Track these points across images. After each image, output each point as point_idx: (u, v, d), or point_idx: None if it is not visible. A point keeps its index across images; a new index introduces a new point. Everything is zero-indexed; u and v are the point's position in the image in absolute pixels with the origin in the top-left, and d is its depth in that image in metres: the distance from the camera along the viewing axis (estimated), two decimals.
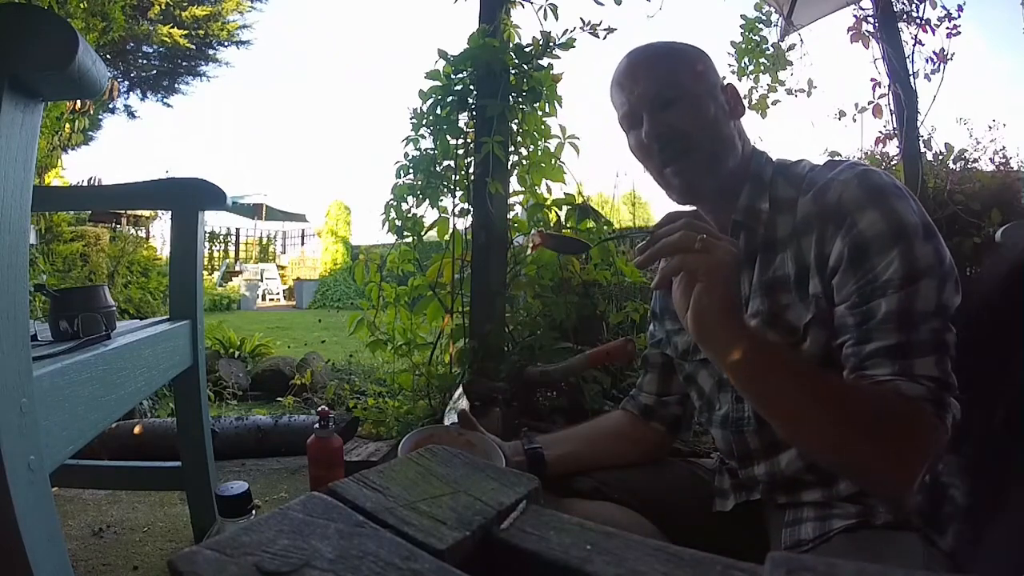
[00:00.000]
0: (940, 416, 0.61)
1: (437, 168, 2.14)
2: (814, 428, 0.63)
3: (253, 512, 0.67)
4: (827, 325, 0.69)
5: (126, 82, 12.57)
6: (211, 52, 13.31)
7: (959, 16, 3.08)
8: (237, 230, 16.62)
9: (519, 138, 2.10)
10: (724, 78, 0.84)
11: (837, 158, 0.79)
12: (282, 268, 15.12)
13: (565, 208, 2.09)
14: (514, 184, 2.13)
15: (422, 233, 2.20)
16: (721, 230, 0.79)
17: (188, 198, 1.28)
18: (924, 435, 0.59)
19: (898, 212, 0.66)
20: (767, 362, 0.62)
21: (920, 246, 0.65)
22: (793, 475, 0.75)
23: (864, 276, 0.66)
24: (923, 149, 3.10)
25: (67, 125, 5.02)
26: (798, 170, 0.77)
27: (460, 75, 2.08)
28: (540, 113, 2.09)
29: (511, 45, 2.07)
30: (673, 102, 0.76)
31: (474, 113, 2.09)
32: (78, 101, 4.45)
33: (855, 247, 0.66)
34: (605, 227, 2.11)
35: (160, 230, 11.68)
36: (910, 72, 3.01)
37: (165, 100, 13.52)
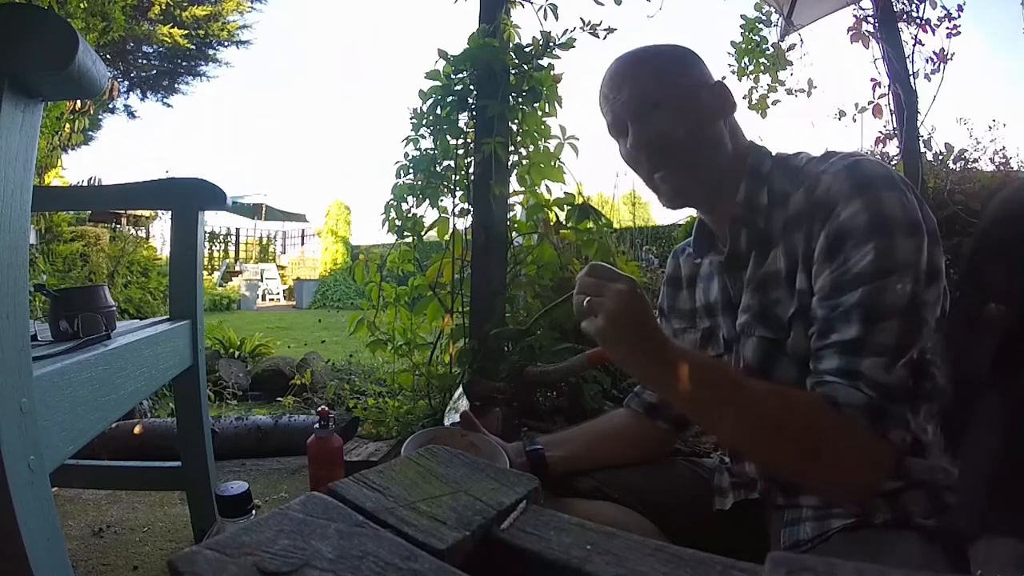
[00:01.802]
0: (879, 430, 0.61)
1: (437, 168, 2.14)
2: (739, 437, 0.67)
3: (253, 512, 0.67)
4: (809, 319, 0.69)
5: (126, 82, 12.57)
6: (211, 52, 13.31)
7: (959, 16, 3.08)
8: (237, 230, 16.62)
9: (519, 138, 2.10)
10: (720, 76, 0.84)
11: (834, 149, 0.77)
12: (282, 268, 15.12)
13: (565, 208, 2.09)
14: (514, 184, 2.13)
15: (422, 233, 2.20)
16: (723, 231, 0.80)
17: (188, 198, 1.28)
18: (856, 451, 0.61)
19: (882, 203, 0.64)
20: (681, 378, 0.65)
21: (900, 241, 0.62)
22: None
23: (838, 268, 0.65)
24: (923, 149, 3.11)
25: (67, 125, 5.02)
26: (795, 163, 0.76)
27: (460, 75, 2.08)
28: (540, 113, 2.08)
29: (511, 45, 2.06)
30: (656, 108, 0.76)
31: (474, 113, 2.09)
32: (78, 101, 4.45)
33: (834, 237, 0.65)
34: (605, 227, 2.11)
35: (160, 230, 11.70)
36: (910, 72, 3.01)
37: (165, 100, 13.54)
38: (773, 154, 0.79)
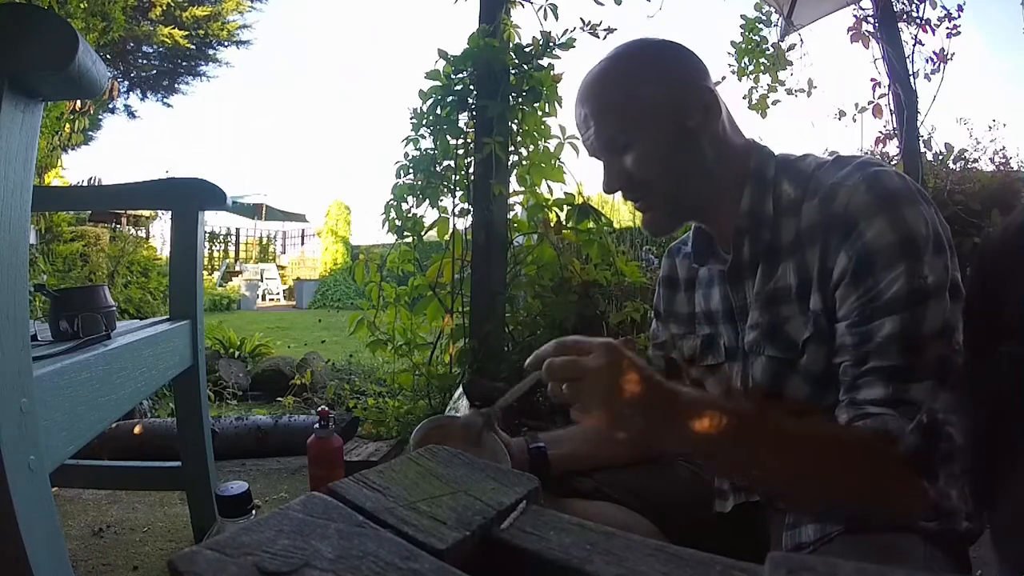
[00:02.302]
0: (930, 448, 0.59)
1: (437, 168, 2.14)
2: (782, 483, 0.63)
3: (253, 512, 0.67)
4: (826, 343, 0.67)
5: (126, 82, 12.58)
6: (211, 52, 13.32)
7: (959, 16, 3.09)
8: (237, 230, 16.62)
9: (519, 138, 2.10)
10: (720, 76, 0.79)
11: (845, 154, 0.74)
12: (282, 268, 15.12)
13: (565, 208, 2.09)
14: (514, 184, 2.13)
15: (422, 233, 2.20)
16: (724, 237, 0.77)
17: (188, 198, 1.28)
18: (912, 476, 0.59)
19: (908, 222, 0.61)
20: (719, 437, 0.58)
21: (929, 261, 0.60)
22: None
23: (867, 292, 0.62)
24: (923, 149, 3.11)
25: (67, 125, 5.03)
26: (803, 167, 0.72)
27: (460, 75, 2.09)
28: (540, 113, 2.09)
29: (511, 45, 2.07)
30: (625, 149, 0.72)
31: (474, 113, 2.09)
32: (78, 101, 4.45)
33: (860, 259, 0.62)
34: (605, 227, 2.11)
35: (160, 230, 11.69)
36: (910, 72, 3.02)
37: (165, 100, 13.55)
38: (776, 154, 0.75)
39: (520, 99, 2.07)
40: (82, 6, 4.74)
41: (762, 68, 3.57)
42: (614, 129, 0.72)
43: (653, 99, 0.71)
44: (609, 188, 0.76)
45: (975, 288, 0.36)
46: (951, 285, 0.61)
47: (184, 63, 13.15)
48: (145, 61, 12.84)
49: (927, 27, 3.06)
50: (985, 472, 0.34)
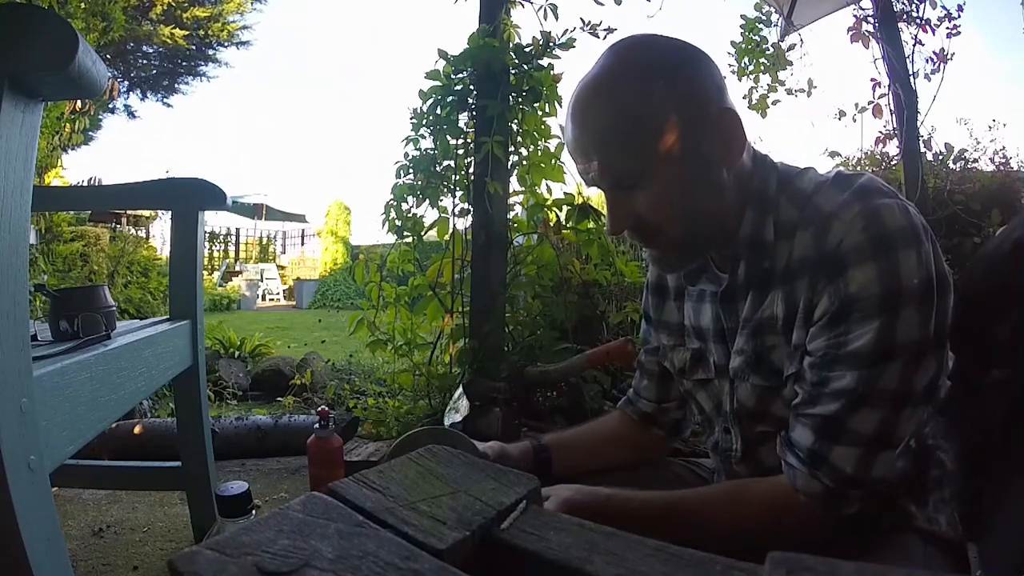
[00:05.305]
0: (834, 514, 0.62)
1: (437, 168, 2.14)
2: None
3: (253, 512, 0.67)
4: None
5: (126, 82, 12.58)
6: (211, 52, 13.32)
7: (959, 16, 3.09)
8: (237, 230, 16.62)
9: (519, 138, 2.10)
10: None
11: (845, 169, 0.72)
12: (282, 268, 15.12)
13: (565, 208, 2.09)
14: (514, 184, 2.13)
15: (422, 233, 2.20)
16: (719, 257, 0.75)
17: (188, 198, 1.28)
18: (807, 529, 0.63)
19: (899, 270, 0.58)
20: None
21: (908, 315, 0.58)
22: None
23: (836, 338, 0.61)
24: (923, 149, 3.11)
25: (67, 125, 5.03)
26: (803, 185, 0.68)
27: (460, 75, 2.09)
28: (540, 113, 2.09)
29: (511, 45, 2.06)
30: (633, 188, 0.65)
31: (474, 113, 2.09)
32: (78, 101, 4.46)
33: (841, 304, 0.61)
34: (605, 227, 2.11)
35: (160, 230, 11.71)
36: (910, 72, 3.02)
37: (165, 100, 13.56)
38: (777, 166, 0.71)
39: (520, 99, 2.07)
40: (82, 6, 4.75)
41: (762, 68, 3.57)
42: (622, 168, 0.65)
43: (669, 134, 0.62)
44: (615, 230, 0.69)
45: (962, 316, 0.36)
46: (936, 332, 0.60)
47: (184, 63, 13.16)
48: (145, 61, 12.85)
49: (927, 27, 3.06)
50: (974, 497, 0.34)
